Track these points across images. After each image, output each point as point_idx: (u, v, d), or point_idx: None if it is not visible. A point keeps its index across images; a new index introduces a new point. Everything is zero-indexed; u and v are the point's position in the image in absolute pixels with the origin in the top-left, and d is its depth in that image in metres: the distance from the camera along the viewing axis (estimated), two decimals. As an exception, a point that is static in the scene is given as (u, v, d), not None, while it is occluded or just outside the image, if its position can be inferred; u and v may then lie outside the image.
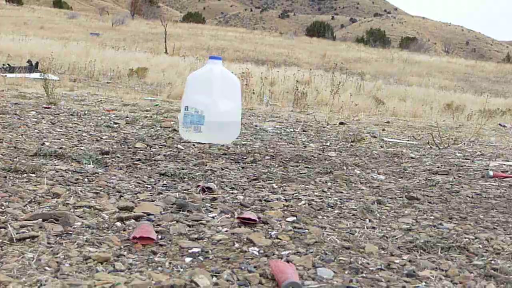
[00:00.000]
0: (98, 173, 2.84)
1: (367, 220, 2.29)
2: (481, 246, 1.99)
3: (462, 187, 3.15)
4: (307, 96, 10.76)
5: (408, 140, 5.55)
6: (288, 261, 1.71)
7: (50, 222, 1.94)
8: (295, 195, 2.66)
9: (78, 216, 2.04)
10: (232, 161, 3.54)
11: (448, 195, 2.89)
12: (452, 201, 2.77)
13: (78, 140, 3.88)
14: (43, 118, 4.80)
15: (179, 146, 3.98)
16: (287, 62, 26.76)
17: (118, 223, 2.01)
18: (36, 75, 10.87)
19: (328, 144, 4.78)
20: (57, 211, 2.02)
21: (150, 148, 3.81)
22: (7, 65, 12.08)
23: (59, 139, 3.84)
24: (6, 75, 10.52)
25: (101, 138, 4.09)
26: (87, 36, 29.53)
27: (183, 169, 3.10)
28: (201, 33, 38.86)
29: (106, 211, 2.14)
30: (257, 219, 2.13)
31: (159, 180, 2.80)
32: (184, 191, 2.59)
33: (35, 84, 9.23)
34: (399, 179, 3.31)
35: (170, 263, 1.66)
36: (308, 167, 3.49)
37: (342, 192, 2.81)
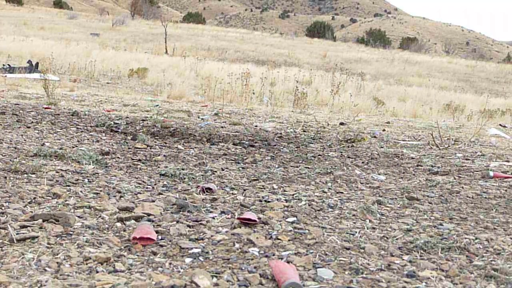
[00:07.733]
0: (98, 173, 2.84)
1: (367, 220, 2.29)
2: (481, 247, 1.99)
3: (462, 187, 3.15)
4: (307, 96, 10.75)
5: (408, 141, 5.54)
6: (288, 262, 1.71)
7: (50, 222, 1.94)
8: (295, 195, 2.66)
9: (78, 216, 2.05)
10: (232, 161, 3.54)
11: (448, 196, 2.89)
12: (452, 201, 2.77)
13: (78, 141, 3.88)
14: (43, 119, 4.80)
15: (179, 146, 3.98)
16: (287, 62, 26.75)
17: (118, 224, 2.01)
18: (36, 75, 10.87)
19: (328, 144, 4.78)
20: (57, 212, 2.02)
21: (150, 148, 3.81)
22: (7, 66, 12.09)
23: (59, 140, 3.85)
24: (6, 76, 10.53)
25: (101, 138, 4.09)
26: (87, 36, 29.50)
27: (183, 169, 3.10)
28: (201, 33, 38.83)
29: (106, 212, 2.14)
30: (257, 220, 2.13)
31: (159, 181, 2.80)
32: (184, 192, 2.60)
33: (35, 84, 9.24)
34: (400, 180, 3.30)
35: (170, 263, 1.66)
36: (308, 168, 3.49)
37: (342, 193, 2.81)
